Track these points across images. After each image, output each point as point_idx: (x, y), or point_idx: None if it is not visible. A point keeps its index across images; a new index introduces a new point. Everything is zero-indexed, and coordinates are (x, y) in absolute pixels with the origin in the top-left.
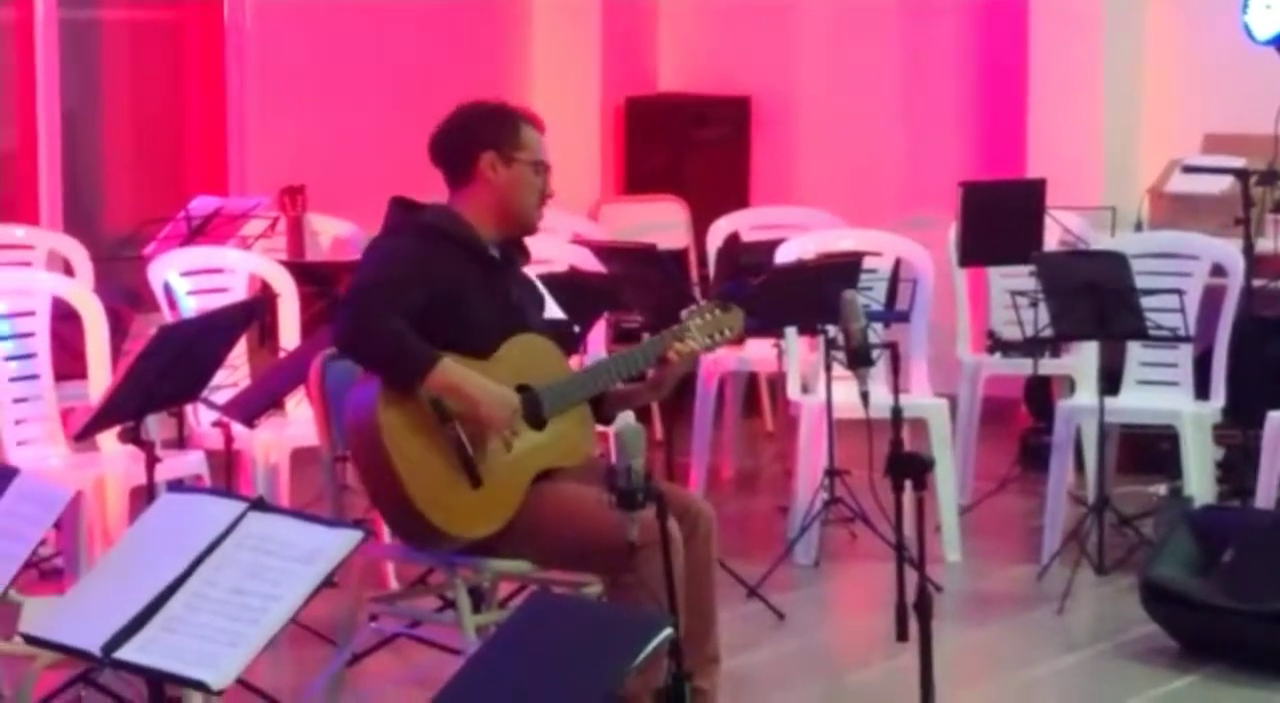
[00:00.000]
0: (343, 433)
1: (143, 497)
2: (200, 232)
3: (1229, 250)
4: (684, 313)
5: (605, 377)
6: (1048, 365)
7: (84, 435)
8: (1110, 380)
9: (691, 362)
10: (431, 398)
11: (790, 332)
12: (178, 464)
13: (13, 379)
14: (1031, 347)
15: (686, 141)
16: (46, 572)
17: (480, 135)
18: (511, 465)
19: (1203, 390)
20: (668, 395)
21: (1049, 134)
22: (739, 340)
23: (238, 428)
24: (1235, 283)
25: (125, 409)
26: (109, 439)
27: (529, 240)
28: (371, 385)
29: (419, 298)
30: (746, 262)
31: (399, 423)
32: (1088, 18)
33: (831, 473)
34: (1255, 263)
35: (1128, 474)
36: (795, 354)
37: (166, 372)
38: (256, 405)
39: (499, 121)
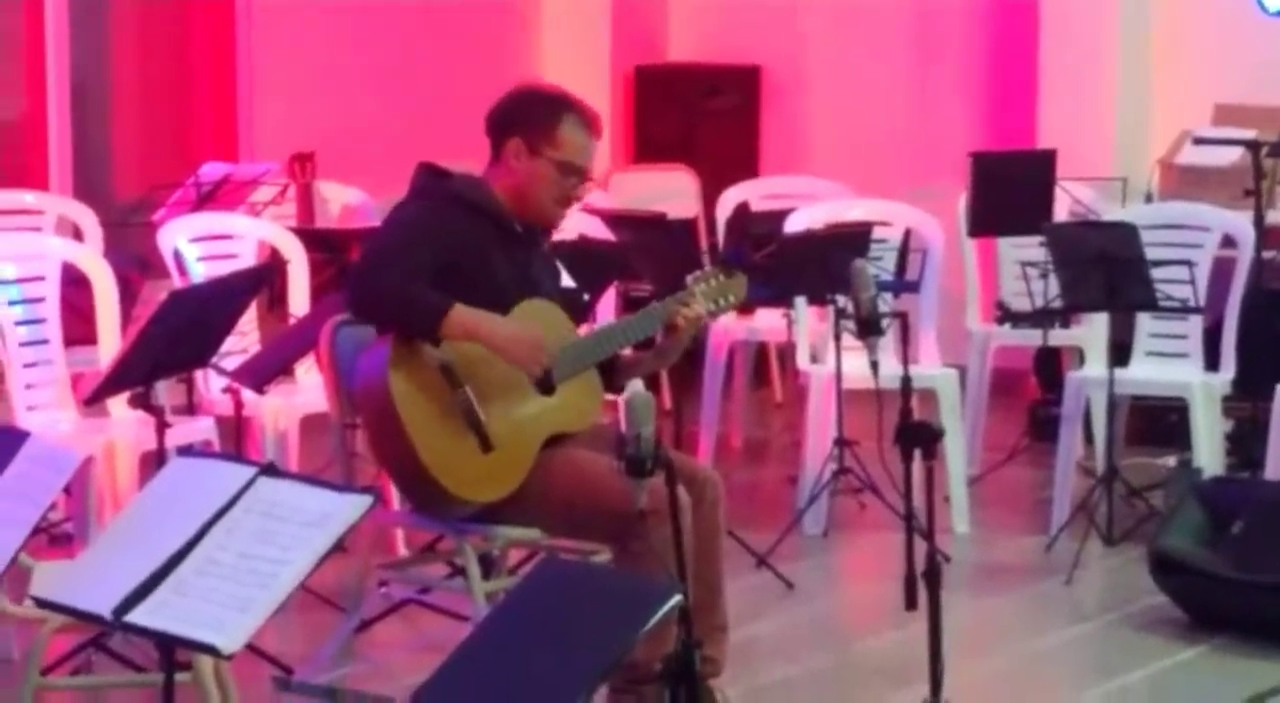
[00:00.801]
0: (352, 399)
1: (152, 462)
2: (210, 198)
3: (1239, 222)
4: (689, 278)
5: (613, 342)
6: (1057, 336)
7: (94, 400)
8: (1120, 352)
9: (698, 327)
10: (442, 362)
11: (800, 301)
12: (187, 430)
13: (23, 344)
14: (1041, 317)
15: (697, 111)
16: (56, 536)
17: (517, 120)
18: (521, 430)
19: (1212, 362)
20: (676, 362)
21: (1059, 105)
22: (745, 307)
23: (247, 394)
24: (1245, 254)
25: (135, 375)
26: (119, 404)
27: None
28: (381, 350)
29: (430, 262)
30: (756, 231)
31: (409, 387)
32: None
33: (840, 443)
34: (1265, 234)
35: (1137, 446)
36: (805, 324)
37: (176, 338)
38: (266, 372)
39: (541, 112)
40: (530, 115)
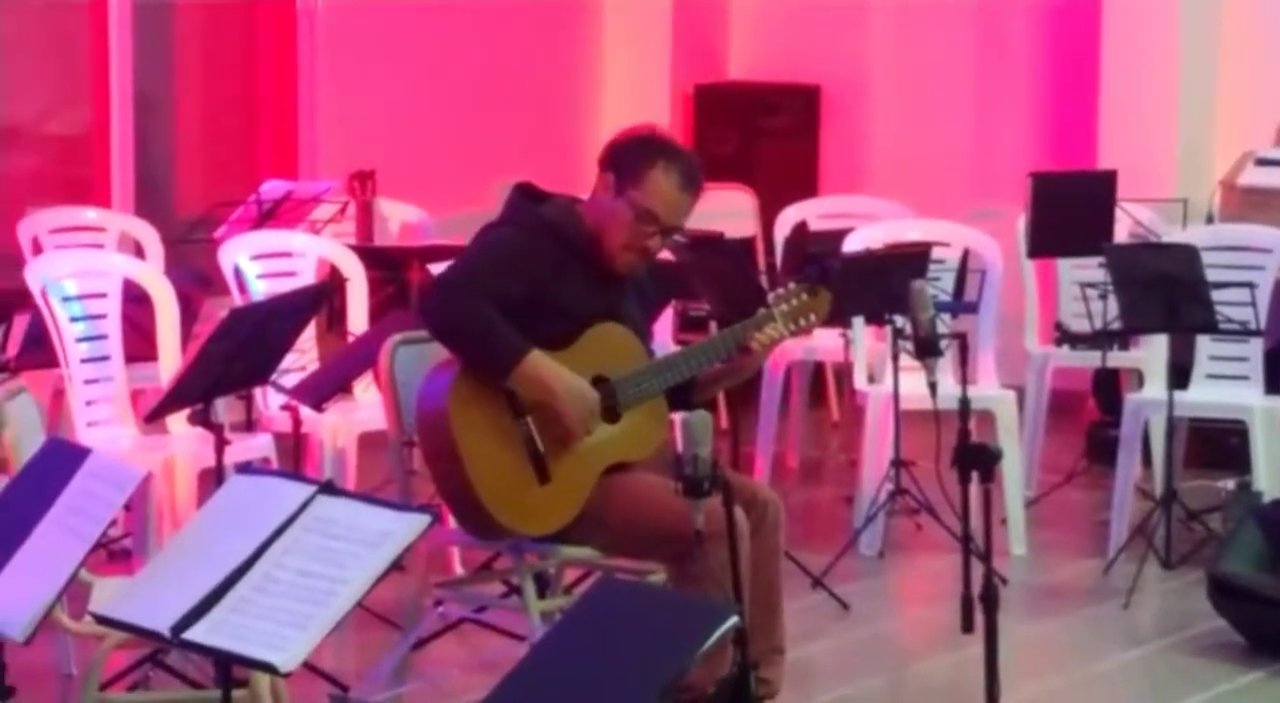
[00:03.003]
0: (412, 420)
1: (211, 479)
2: (270, 215)
3: None
4: (771, 297)
5: (682, 368)
6: (1116, 358)
7: (154, 418)
8: (1179, 374)
9: (773, 349)
10: (507, 390)
11: (857, 321)
12: (246, 447)
13: (84, 361)
14: (1100, 339)
15: (755, 130)
16: (115, 553)
17: (616, 156)
18: (581, 461)
19: (1273, 385)
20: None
21: (1120, 126)
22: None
23: (306, 411)
24: None
25: (195, 392)
26: (178, 421)
27: None
28: (444, 376)
29: (513, 290)
30: (814, 251)
31: (469, 416)
32: (1162, 8)
33: (897, 464)
34: None
35: (1196, 468)
36: (862, 344)
37: (236, 355)
38: (325, 389)
39: (639, 154)
40: (628, 154)
